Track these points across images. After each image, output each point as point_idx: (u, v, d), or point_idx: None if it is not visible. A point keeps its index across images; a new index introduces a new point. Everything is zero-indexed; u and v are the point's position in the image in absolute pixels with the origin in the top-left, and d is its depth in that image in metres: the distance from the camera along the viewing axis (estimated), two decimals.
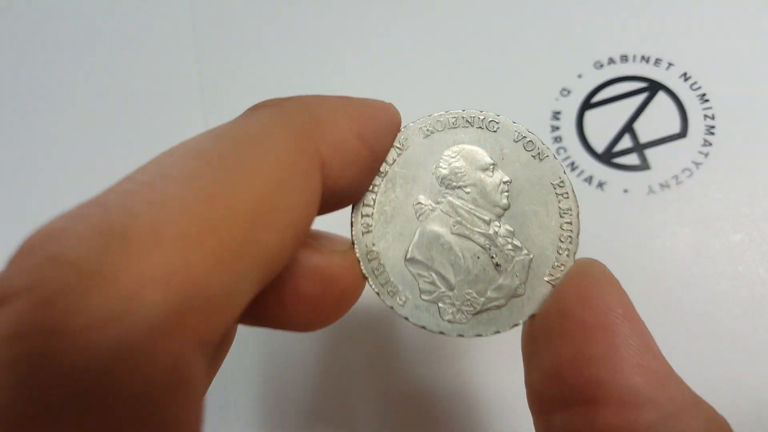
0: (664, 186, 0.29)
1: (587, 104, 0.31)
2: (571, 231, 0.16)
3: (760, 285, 0.28)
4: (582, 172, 0.30)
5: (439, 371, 0.29)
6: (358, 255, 0.17)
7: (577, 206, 0.17)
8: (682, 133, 0.30)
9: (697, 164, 0.29)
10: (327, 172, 0.14)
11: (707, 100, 0.30)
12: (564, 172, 0.17)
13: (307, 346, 0.29)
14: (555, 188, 0.17)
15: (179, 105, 0.34)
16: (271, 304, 0.15)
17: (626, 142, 0.30)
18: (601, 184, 0.30)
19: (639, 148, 0.30)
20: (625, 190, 0.30)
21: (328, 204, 0.15)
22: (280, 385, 0.30)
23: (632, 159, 0.30)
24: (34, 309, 0.10)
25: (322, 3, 0.34)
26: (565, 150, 0.30)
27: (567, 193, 0.17)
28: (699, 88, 0.30)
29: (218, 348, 0.17)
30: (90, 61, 0.35)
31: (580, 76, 0.31)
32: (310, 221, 0.14)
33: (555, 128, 0.31)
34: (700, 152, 0.30)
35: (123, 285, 0.10)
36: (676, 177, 0.29)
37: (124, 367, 0.10)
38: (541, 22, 0.32)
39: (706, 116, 0.30)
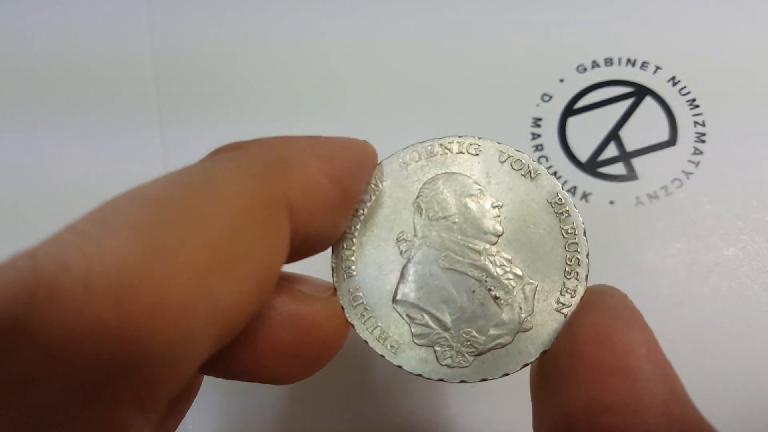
0: (653, 197, 0.27)
1: (570, 110, 0.29)
2: (577, 252, 0.15)
3: (755, 302, 0.26)
4: (565, 182, 0.28)
5: (424, 404, 0.27)
6: (341, 301, 0.15)
7: (581, 224, 0.15)
8: (671, 141, 0.28)
9: (687, 174, 0.28)
10: (296, 216, 0.13)
11: (697, 106, 0.28)
12: (561, 188, 0.15)
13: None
14: (553, 207, 0.15)
15: (137, 133, 0.32)
16: (243, 356, 0.14)
17: (612, 151, 0.28)
18: (585, 196, 0.28)
19: (625, 156, 0.28)
20: (611, 202, 0.28)
21: (302, 249, 0.14)
22: (247, 423, 0.27)
23: (618, 168, 0.28)
24: None
25: (284, 22, 0.32)
26: (547, 159, 0.28)
27: (567, 210, 0.15)
28: (688, 93, 0.29)
29: (177, 402, 0.15)
30: (42, 79, 0.33)
31: (562, 80, 0.29)
32: (277, 270, 0.13)
33: (536, 135, 0.29)
34: (691, 161, 0.28)
35: (47, 342, 0.09)
36: (665, 187, 0.28)
37: (46, 428, 0.09)
38: (522, 24, 0.31)
39: (696, 123, 0.28)
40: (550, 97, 0.29)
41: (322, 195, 0.14)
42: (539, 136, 0.29)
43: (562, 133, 0.29)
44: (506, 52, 0.30)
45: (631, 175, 0.28)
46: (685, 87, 0.29)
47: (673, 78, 0.29)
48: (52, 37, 0.33)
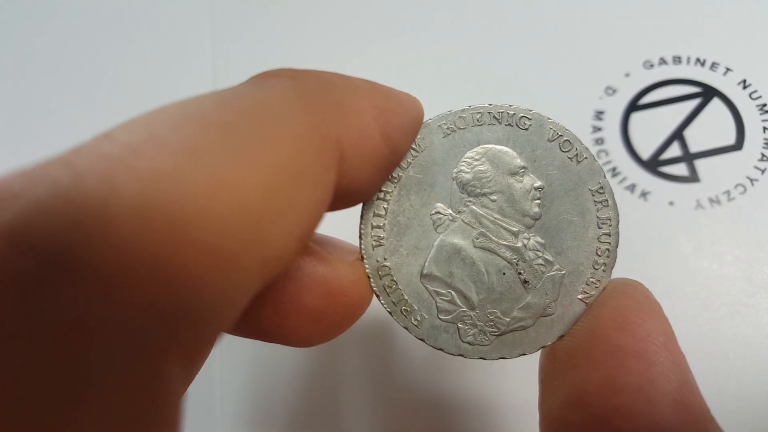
0: (714, 201, 0.26)
1: (634, 106, 0.28)
2: (609, 243, 0.15)
3: None
4: (624, 179, 0.27)
5: (438, 379, 0.26)
6: (368, 270, 0.15)
7: (618, 215, 0.15)
8: (738, 146, 0.27)
9: (752, 180, 0.27)
10: (344, 167, 0.12)
11: (767, 111, 0.27)
12: (604, 177, 0.15)
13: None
14: (594, 195, 0.15)
15: (189, 77, 0.32)
16: (270, 315, 0.13)
17: (675, 150, 0.27)
18: (644, 194, 0.27)
19: (688, 157, 0.27)
20: (671, 203, 0.27)
21: (335, 204, 0.13)
22: (268, 390, 0.27)
23: (680, 169, 0.27)
24: None
25: None
26: (606, 153, 0.27)
27: (607, 200, 0.15)
28: (759, 97, 0.27)
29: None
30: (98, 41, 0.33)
31: (627, 74, 0.29)
32: (318, 221, 0.12)
33: (597, 129, 0.28)
34: (757, 167, 0.27)
35: (99, 279, 0.08)
36: (727, 192, 0.27)
37: (90, 381, 0.08)
38: (590, 15, 0.30)
39: (765, 128, 0.27)
40: (614, 91, 0.28)
41: (372, 149, 0.13)
42: (600, 129, 0.28)
43: (625, 128, 0.28)
44: (573, 40, 0.29)
45: (693, 177, 0.27)
46: (756, 91, 0.28)
47: (744, 81, 0.28)
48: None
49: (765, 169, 0.27)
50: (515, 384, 0.26)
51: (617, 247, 0.15)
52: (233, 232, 0.09)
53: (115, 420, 0.08)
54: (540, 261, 0.15)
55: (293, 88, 0.12)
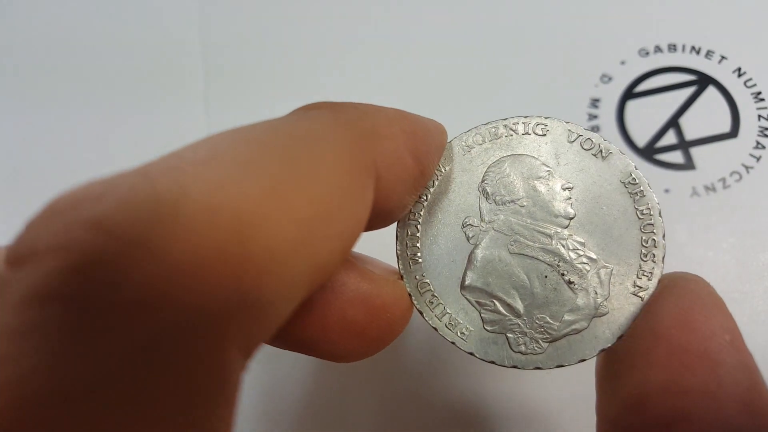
0: (709, 189, 0.26)
1: (630, 93, 0.28)
2: (653, 233, 0.14)
3: None
4: None
5: (459, 382, 0.26)
6: (408, 288, 0.15)
7: (657, 204, 0.14)
8: (733, 133, 0.27)
9: (747, 168, 0.27)
10: (379, 186, 0.13)
11: (762, 99, 0.27)
12: (635, 168, 0.15)
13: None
14: (627, 187, 0.15)
15: (181, 101, 0.31)
16: (315, 328, 0.14)
17: (670, 138, 0.27)
18: None
19: (684, 145, 0.27)
20: (666, 190, 0.27)
21: (371, 223, 0.14)
22: (275, 397, 0.27)
23: (676, 157, 0.27)
24: (67, 273, 0.09)
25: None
26: None
27: (642, 190, 0.14)
28: (754, 85, 0.27)
29: None
30: (90, 53, 0.32)
31: (623, 62, 0.28)
32: (357, 238, 0.13)
33: (593, 116, 0.28)
34: (752, 155, 0.27)
35: (172, 264, 0.09)
36: (723, 180, 0.26)
37: (162, 358, 0.09)
38: (586, 2, 0.30)
39: (760, 116, 0.27)
40: (610, 79, 0.28)
41: (404, 170, 0.14)
42: (596, 117, 0.28)
43: (621, 116, 0.28)
44: (568, 29, 0.29)
45: (688, 165, 0.27)
46: (750, 79, 0.28)
47: (739, 69, 0.28)
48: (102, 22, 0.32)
49: (760, 156, 0.27)
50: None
51: (663, 236, 0.14)
52: (286, 236, 0.10)
53: (181, 390, 0.09)
54: (583, 260, 0.14)
55: (333, 117, 0.13)
